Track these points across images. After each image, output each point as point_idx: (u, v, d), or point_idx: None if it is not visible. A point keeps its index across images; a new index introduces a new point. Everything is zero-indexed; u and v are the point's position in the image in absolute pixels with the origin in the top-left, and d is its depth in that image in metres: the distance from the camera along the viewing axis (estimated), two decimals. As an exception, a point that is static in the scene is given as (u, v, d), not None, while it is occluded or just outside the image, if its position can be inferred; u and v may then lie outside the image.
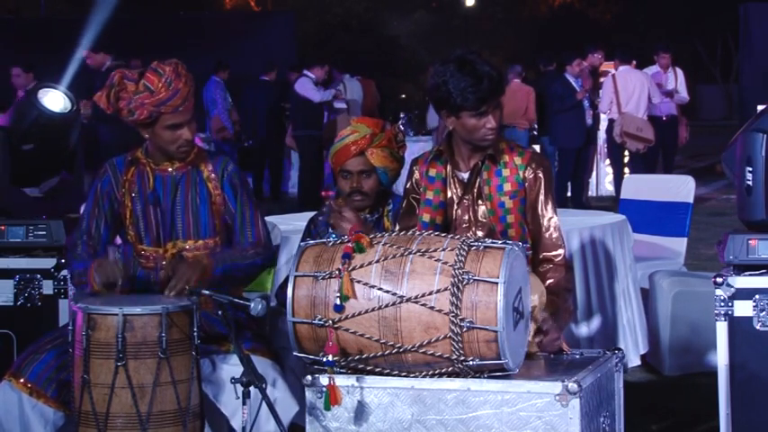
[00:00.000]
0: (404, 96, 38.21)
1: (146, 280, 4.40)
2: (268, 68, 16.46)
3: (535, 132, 15.40)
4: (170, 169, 4.45)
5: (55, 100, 5.17)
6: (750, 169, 4.50)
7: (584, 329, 6.13)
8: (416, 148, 12.97)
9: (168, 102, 4.29)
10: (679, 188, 7.57)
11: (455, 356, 3.65)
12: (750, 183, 4.50)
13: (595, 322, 6.24)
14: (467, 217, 4.30)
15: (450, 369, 3.70)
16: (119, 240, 4.63)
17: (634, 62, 14.50)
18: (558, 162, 14.23)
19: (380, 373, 3.76)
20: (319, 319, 3.73)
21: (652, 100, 13.71)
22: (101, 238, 4.47)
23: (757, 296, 4.47)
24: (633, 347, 6.34)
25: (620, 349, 4.19)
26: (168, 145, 4.38)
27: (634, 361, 6.33)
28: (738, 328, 4.47)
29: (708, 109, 39.18)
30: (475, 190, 4.29)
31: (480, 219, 4.28)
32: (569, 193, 14.33)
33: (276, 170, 16.77)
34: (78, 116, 5.28)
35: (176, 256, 4.36)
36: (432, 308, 3.65)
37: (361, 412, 3.76)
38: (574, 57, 14.17)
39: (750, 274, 4.52)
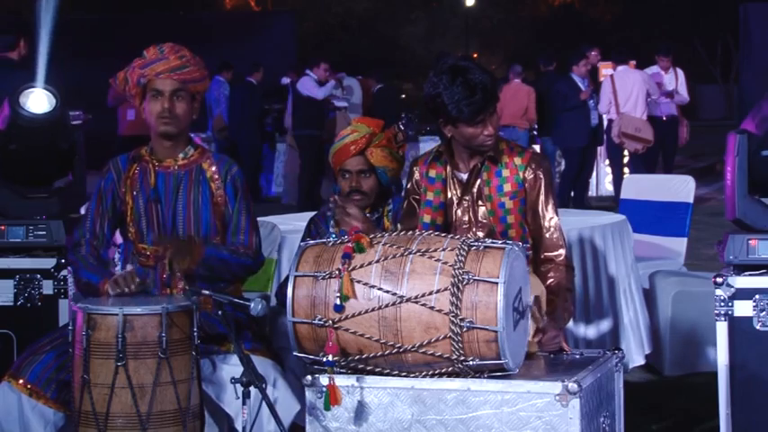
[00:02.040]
0: (404, 96, 38.19)
1: (144, 278, 4.39)
2: (253, 69, 16.49)
3: (535, 133, 15.38)
4: (172, 168, 4.45)
5: (37, 100, 5.09)
6: (729, 169, 4.56)
7: (583, 330, 6.13)
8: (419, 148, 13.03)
9: (152, 64, 4.36)
10: (679, 188, 7.57)
11: (455, 356, 3.65)
12: (729, 182, 4.56)
13: (595, 322, 6.24)
14: (467, 218, 4.30)
15: (450, 369, 3.70)
16: (118, 239, 4.62)
17: (633, 62, 14.48)
18: (561, 161, 14.22)
19: (380, 373, 3.76)
20: (319, 319, 3.73)
21: (651, 96, 13.70)
22: (105, 237, 4.46)
23: (757, 296, 4.48)
24: (637, 347, 6.33)
25: (620, 349, 4.19)
26: (151, 118, 4.39)
27: (637, 361, 6.32)
28: (738, 328, 4.47)
29: (708, 109, 39.15)
30: (474, 191, 4.29)
31: (480, 219, 4.28)
32: (572, 193, 14.30)
33: (253, 171, 16.64)
34: (65, 113, 5.18)
35: (167, 237, 4.36)
36: (432, 308, 3.65)
37: (361, 412, 3.76)
38: (580, 57, 14.13)
39: (750, 274, 4.53)
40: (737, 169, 4.54)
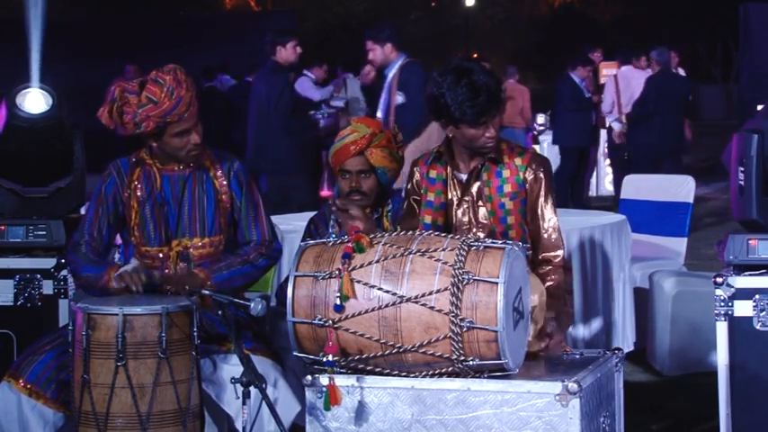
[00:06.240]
0: (404, 96, 38.09)
1: (150, 275, 4.39)
2: (251, 70, 16.49)
3: (534, 132, 15.38)
4: (176, 169, 4.45)
5: (34, 100, 5.06)
6: (743, 169, 4.54)
7: (581, 329, 6.14)
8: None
9: (173, 111, 4.27)
10: (679, 188, 7.57)
11: (455, 356, 3.65)
12: (742, 182, 4.54)
13: (593, 322, 6.25)
14: (467, 218, 4.30)
15: (450, 369, 3.70)
16: (118, 239, 4.63)
17: (643, 59, 14.44)
18: (559, 160, 14.21)
19: (380, 373, 3.76)
20: (319, 319, 3.73)
21: None
22: (103, 240, 4.46)
23: (757, 296, 4.47)
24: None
25: (620, 349, 4.20)
26: (177, 151, 4.38)
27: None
28: (738, 328, 4.47)
29: (708, 109, 39.09)
30: (474, 191, 4.29)
31: (481, 220, 4.28)
32: (569, 193, 14.29)
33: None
34: (63, 113, 5.13)
35: (176, 270, 4.35)
36: (432, 308, 3.65)
37: (361, 412, 3.76)
38: (579, 63, 14.12)
39: (750, 274, 4.52)
40: (755, 169, 4.50)
